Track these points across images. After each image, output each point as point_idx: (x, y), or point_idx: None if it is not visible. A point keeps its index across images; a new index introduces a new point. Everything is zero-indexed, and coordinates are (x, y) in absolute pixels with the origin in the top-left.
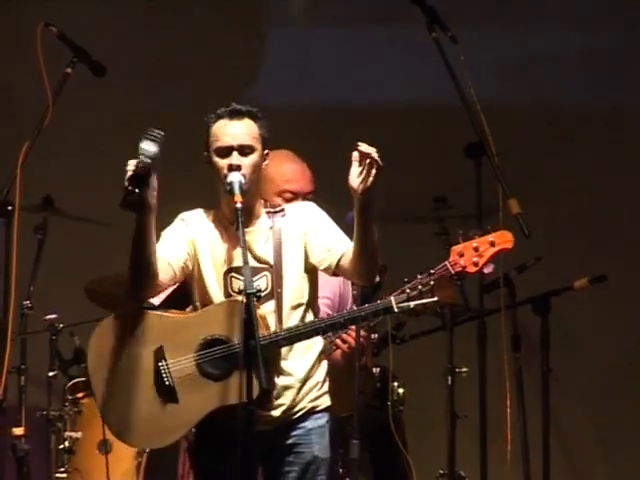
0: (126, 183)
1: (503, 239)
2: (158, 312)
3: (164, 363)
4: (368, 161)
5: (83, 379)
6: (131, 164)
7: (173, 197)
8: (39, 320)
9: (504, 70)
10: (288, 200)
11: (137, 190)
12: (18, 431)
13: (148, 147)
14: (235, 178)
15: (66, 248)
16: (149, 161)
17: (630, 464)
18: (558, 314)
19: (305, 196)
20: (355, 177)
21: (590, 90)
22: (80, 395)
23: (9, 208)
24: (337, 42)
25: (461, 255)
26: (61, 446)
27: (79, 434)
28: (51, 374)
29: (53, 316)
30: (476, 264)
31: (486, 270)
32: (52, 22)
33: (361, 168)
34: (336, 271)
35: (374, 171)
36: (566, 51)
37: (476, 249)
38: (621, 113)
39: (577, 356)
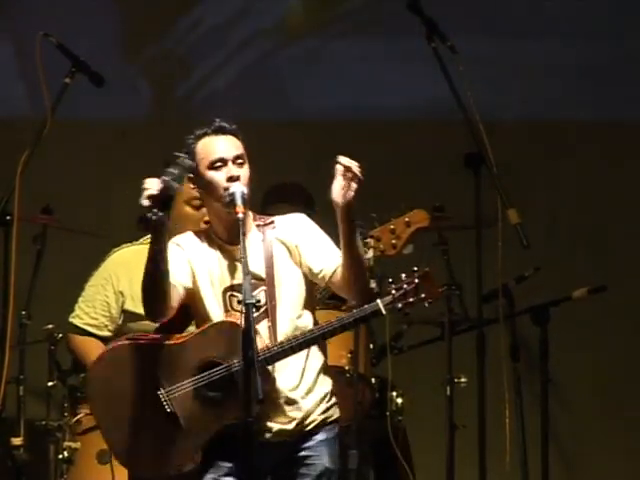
0: (145, 202)
1: (418, 218)
2: (151, 341)
3: (162, 391)
4: (349, 175)
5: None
6: (151, 184)
7: None
8: (38, 330)
9: (504, 80)
10: (197, 207)
11: (159, 212)
12: (17, 441)
13: (177, 172)
14: (237, 189)
15: (65, 258)
16: (176, 186)
17: (630, 475)
18: (557, 324)
19: None
20: (337, 191)
21: (590, 102)
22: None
23: (8, 218)
24: (336, 55)
25: (378, 239)
26: (60, 456)
27: (78, 444)
28: (50, 384)
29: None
30: (394, 246)
31: (405, 251)
32: (52, 31)
33: (344, 182)
34: (328, 284)
35: (354, 185)
36: (566, 63)
37: (393, 231)
38: (621, 125)
39: (576, 366)
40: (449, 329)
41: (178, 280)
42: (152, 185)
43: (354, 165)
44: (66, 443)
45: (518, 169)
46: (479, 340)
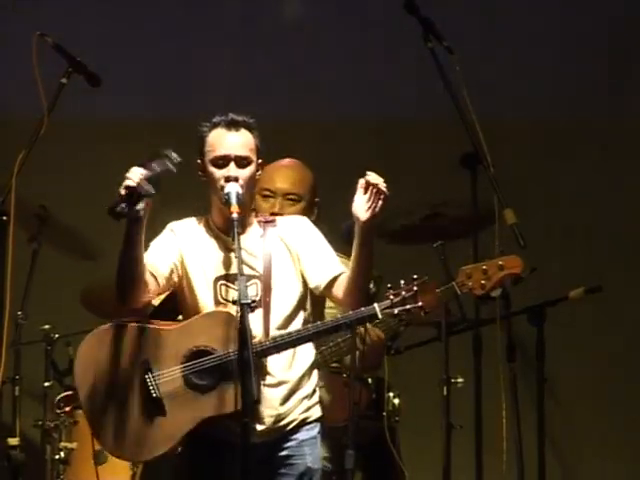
0: (122, 191)
1: (512, 264)
2: (143, 324)
3: (150, 375)
4: (375, 190)
5: (70, 392)
6: (134, 174)
7: (172, 204)
8: (34, 330)
9: (502, 81)
10: (266, 197)
11: (127, 206)
12: (13, 441)
13: (156, 169)
14: (232, 189)
15: (61, 258)
16: (150, 186)
17: (626, 475)
18: (554, 324)
19: (285, 196)
20: (360, 205)
21: (588, 102)
22: (69, 409)
23: (4, 218)
24: (337, 56)
25: (469, 277)
26: (56, 457)
27: (74, 445)
28: (46, 384)
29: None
30: (483, 287)
31: (493, 294)
32: (51, 29)
33: (367, 196)
34: (323, 293)
35: (381, 201)
36: (565, 63)
37: (485, 272)
38: (618, 126)
39: (573, 366)
40: (446, 329)
41: (158, 269)
42: (134, 176)
43: (381, 182)
44: (62, 443)
45: (515, 169)
46: (475, 340)
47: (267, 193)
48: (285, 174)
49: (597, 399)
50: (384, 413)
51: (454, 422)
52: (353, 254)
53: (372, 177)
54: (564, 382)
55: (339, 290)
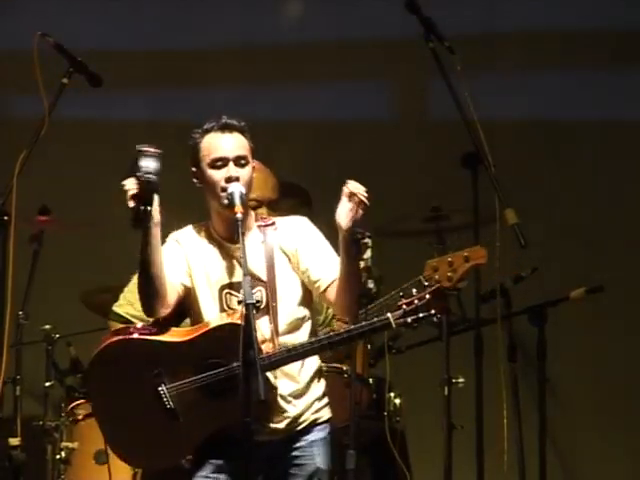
0: (131, 203)
1: (477, 255)
2: (155, 337)
3: (164, 387)
4: (356, 199)
5: (82, 401)
6: (130, 183)
7: (175, 208)
8: (35, 330)
9: (502, 81)
10: (252, 208)
11: (148, 208)
12: (14, 441)
13: (149, 164)
14: (236, 189)
15: (62, 258)
16: (154, 178)
17: (627, 475)
18: (554, 324)
19: (269, 203)
20: (342, 212)
21: (588, 102)
22: (81, 416)
23: (5, 218)
24: (337, 56)
25: (435, 270)
26: (57, 457)
27: (75, 444)
28: (47, 384)
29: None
30: (450, 279)
31: (459, 285)
32: (52, 30)
33: (349, 204)
34: (321, 296)
35: (360, 211)
36: (565, 63)
37: (450, 264)
38: (619, 125)
39: (574, 366)
40: (447, 329)
41: (176, 278)
42: (130, 185)
43: (361, 190)
44: (63, 443)
45: (516, 169)
46: (477, 340)
47: (254, 204)
48: (263, 181)
49: (598, 399)
50: (385, 413)
51: (455, 422)
52: (340, 264)
53: (352, 185)
54: (565, 382)
55: (333, 295)
